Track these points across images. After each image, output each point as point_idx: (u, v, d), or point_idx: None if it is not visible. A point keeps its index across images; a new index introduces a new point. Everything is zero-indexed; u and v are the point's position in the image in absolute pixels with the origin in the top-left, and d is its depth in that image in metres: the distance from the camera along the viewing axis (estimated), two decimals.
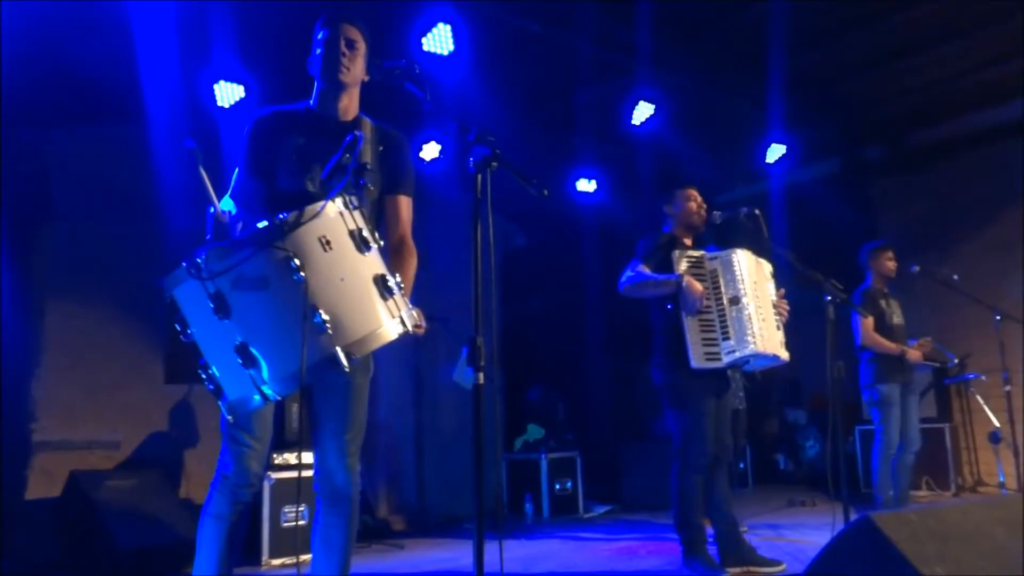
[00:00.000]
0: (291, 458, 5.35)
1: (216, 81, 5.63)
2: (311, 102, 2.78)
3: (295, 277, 2.06)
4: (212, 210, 2.37)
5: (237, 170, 2.73)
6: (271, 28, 5.37)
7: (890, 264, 5.81)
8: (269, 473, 5.14)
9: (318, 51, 2.71)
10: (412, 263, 2.73)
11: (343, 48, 2.67)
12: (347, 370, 2.08)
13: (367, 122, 2.78)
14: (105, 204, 5.95)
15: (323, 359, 2.07)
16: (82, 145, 5.90)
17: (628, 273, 4.42)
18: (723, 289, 4.22)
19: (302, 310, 2.05)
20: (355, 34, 2.71)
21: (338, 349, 2.07)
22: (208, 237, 2.38)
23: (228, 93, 5.68)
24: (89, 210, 5.90)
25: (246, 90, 5.67)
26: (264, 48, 5.53)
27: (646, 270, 4.37)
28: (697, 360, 4.16)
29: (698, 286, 4.20)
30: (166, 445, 6.03)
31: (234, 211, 2.52)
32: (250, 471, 2.51)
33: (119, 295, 5.97)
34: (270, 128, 2.71)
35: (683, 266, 4.27)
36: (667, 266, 4.31)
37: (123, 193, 6.01)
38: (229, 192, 2.70)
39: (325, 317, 2.06)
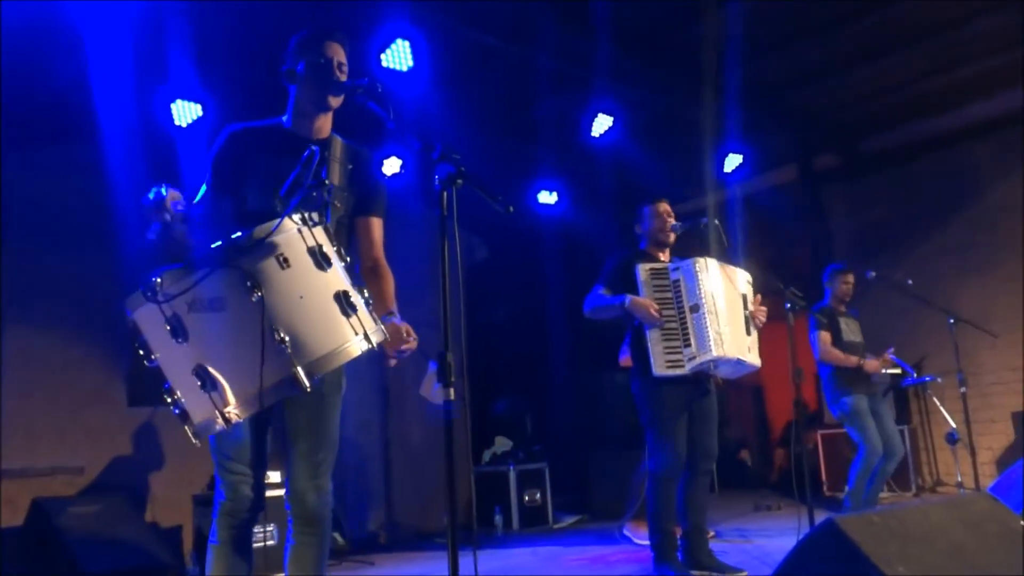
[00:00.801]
0: None
1: (173, 100, 5.59)
2: (285, 119, 2.73)
3: (252, 297, 2.04)
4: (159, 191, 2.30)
5: (204, 187, 2.66)
6: (228, 47, 5.35)
7: (845, 287, 5.94)
8: None
9: (303, 67, 2.64)
10: (389, 281, 2.72)
11: (337, 73, 2.63)
12: (308, 389, 2.06)
13: (338, 141, 2.75)
14: (63, 225, 5.86)
15: (284, 379, 2.05)
16: (38, 166, 5.81)
17: (589, 298, 4.54)
18: (685, 298, 4.27)
19: (260, 330, 2.03)
20: (343, 56, 2.67)
21: (298, 368, 2.05)
22: (151, 205, 2.32)
23: (185, 112, 5.64)
24: (46, 232, 5.80)
25: (203, 109, 5.63)
26: (222, 67, 5.50)
27: (606, 293, 4.46)
28: (659, 368, 4.22)
29: (643, 302, 4.25)
30: (131, 469, 5.94)
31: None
32: (243, 496, 2.47)
33: (78, 317, 5.88)
34: (242, 145, 2.64)
35: (644, 277, 4.32)
36: (631, 281, 4.36)
37: (81, 214, 5.93)
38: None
39: (283, 336, 2.03)
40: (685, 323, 4.24)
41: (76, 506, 5.13)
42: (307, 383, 2.05)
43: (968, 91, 7.66)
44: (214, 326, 2.08)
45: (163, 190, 2.34)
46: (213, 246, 2.11)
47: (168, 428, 6.06)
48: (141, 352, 2.17)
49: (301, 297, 2.13)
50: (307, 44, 2.67)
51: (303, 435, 2.58)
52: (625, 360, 5.92)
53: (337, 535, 6.23)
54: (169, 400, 2.16)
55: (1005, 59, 7.05)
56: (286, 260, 2.13)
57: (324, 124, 2.73)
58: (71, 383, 5.78)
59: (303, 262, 2.17)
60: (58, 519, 4.94)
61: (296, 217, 2.21)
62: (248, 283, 2.04)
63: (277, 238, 2.13)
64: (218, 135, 2.70)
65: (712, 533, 6.09)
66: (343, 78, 2.65)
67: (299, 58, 2.67)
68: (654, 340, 4.26)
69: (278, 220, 2.15)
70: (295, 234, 2.18)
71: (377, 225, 2.78)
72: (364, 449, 7.53)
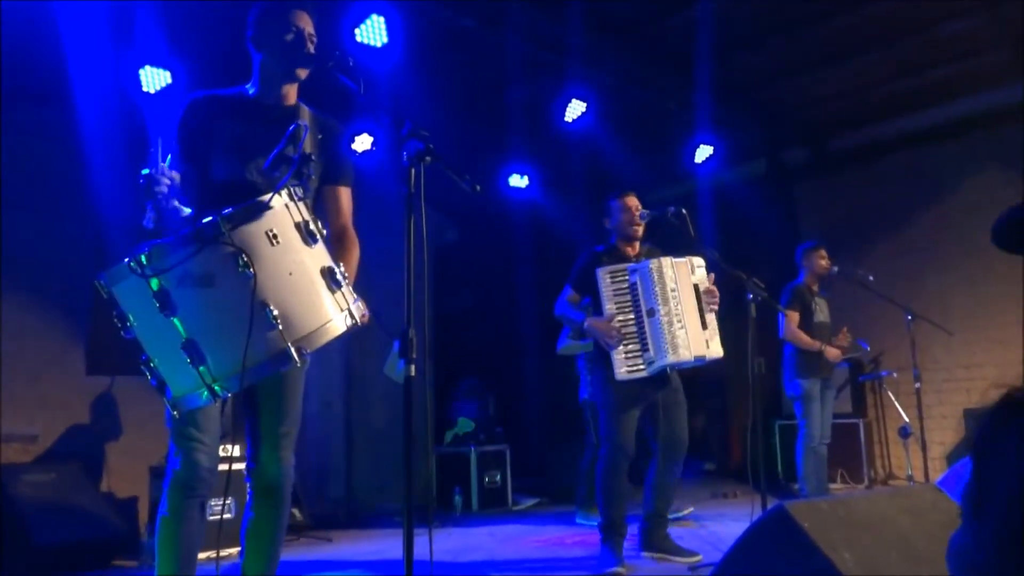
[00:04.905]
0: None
1: (141, 66, 5.49)
2: (249, 87, 2.70)
3: (243, 273, 2.03)
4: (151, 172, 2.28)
5: (169, 156, 2.58)
6: (198, 14, 5.26)
7: (823, 263, 6.02)
8: None
9: (272, 37, 2.61)
10: (355, 253, 2.72)
11: (309, 45, 2.61)
12: (299, 366, 2.07)
13: (306, 110, 2.73)
14: (22, 189, 5.74)
15: (275, 355, 2.05)
16: None
17: (559, 301, 4.64)
18: (642, 302, 4.30)
19: (250, 306, 2.02)
20: (312, 26, 2.65)
21: (289, 344, 2.06)
22: (142, 189, 2.30)
23: (154, 79, 5.55)
24: (4, 195, 5.68)
25: (172, 76, 5.54)
26: (191, 34, 5.42)
27: (574, 298, 4.57)
28: (621, 374, 4.28)
29: (600, 326, 4.31)
30: (87, 438, 5.87)
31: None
32: (200, 466, 2.44)
33: (37, 282, 5.78)
34: (206, 113, 2.61)
35: (605, 282, 4.36)
36: (593, 284, 4.40)
37: (41, 178, 5.83)
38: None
39: (275, 312, 2.04)
40: (643, 327, 4.28)
41: (30, 474, 5.06)
42: (298, 359, 2.07)
43: (934, 93, 7.78)
44: (205, 301, 2.07)
45: (146, 171, 2.31)
46: (204, 221, 2.08)
47: (126, 398, 6.00)
48: (118, 323, 2.14)
49: (290, 273, 2.13)
50: (275, 12, 2.64)
51: (268, 409, 2.58)
52: (564, 349, 6.09)
53: (296, 511, 6.22)
54: (146, 371, 2.15)
55: (972, 63, 7.17)
56: (275, 236, 2.12)
57: (290, 92, 2.71)
58: (28, 349, 5.68)
59: (291, 238, 2.17)
60: (11, 487, 4.87)
61: (284, 192, 2.20)
62: (240, 259, 2.04)
63: (267, 214, 2.12)
64: (182, 103, 2.66)
65: (690, 509, 6.23)
66: (312, 49, 2.62)
67: (266, 26, 2.64)
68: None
69: (270, 196, 2.14)
70: (283, 209, 2.18)
71: (346, 194, 2.78)
72: (326, 425, 7.51)
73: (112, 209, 5.56)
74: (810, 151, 9.09)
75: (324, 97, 2.99)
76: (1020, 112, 7.37)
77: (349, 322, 2.20)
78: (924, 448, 6.21)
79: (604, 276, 4.37)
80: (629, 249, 4.61)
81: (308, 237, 2.19)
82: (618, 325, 4.29)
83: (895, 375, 7.41)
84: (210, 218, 2.07)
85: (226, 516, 5.04)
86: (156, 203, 2.28)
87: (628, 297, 4.34)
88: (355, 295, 2.29)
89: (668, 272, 4.31)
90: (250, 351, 2.02)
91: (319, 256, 2.22)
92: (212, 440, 2.49)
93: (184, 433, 2.44)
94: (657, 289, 4.26)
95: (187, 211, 2.40)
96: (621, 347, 4.28)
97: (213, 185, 2.54)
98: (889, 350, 7.72)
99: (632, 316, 4.32)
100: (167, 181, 2.30)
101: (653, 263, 4.31)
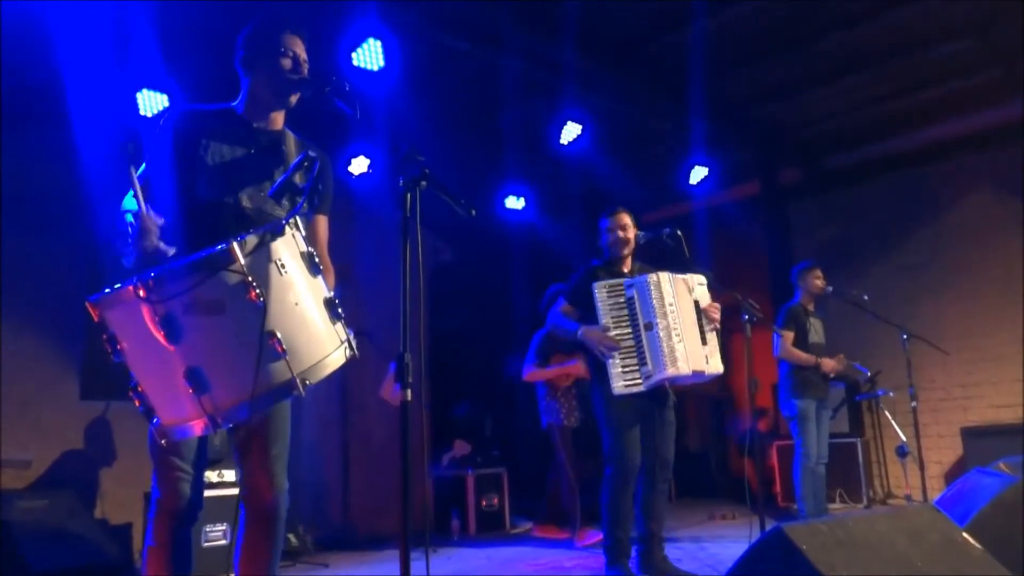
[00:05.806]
0: (213, 476, 5.24)
1: (139, 89, 5.51)
2: (237, 105, 2.65)
3: (253, 302, 1.99)
4: (136, 212, 2.24)
5: (144, 167, 2.53)
6: (195, 36, 5.29)
7: (818, 283, 6.04)
8: None
9: (264, 61, 2.58)
10: (331, 281, 2.70)
11: (303, 71, 2.59)
12: (303, 397, 2.04)
13: (291, 136, 2.70)
14: (18, 212, 5.73)
15: (279, 386, 2.02)
16: None
17: (552, 313, 4.67)
18: (639, 316, 4.31)
19: (259, 335, 1.98)
20: (304, 50, 2.62)
21: (295, 376, 2.02)
22: (131, 238, 2.26)
23: (151, 102, 5.56)
24: (1, 218, 5.68)
25: (169, 99, 5.55)
26: (188, 57, 5.44)
27: (567, 310, 4.57)
28: (618, 388, 4.27)
29: (595, 336, 4.32)
30: (81, 464, 5.82)
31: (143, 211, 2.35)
32: (184, 495, 2.42)
33: (31, 305, 5.76)
34: (194, 129, 2.54)
35: (601, 296, 4.37)
36: (589, 299, 4.41)
37: (38, 202, 5.82)
38: (132, 192, 2.41)
39: (283, 343, 2.00)
40: (641, 341, 4.29)
41: (23, 500, 5.02)
42: (302, 390, 2.03)
43: (927, 114, 7.85)
44: (213, 329, 2.01)
45: (130, 217, 2.28)
46: (217, 247, 2.01)
47: (121, 424, 5.96)
48: (107, 347, 2.08)
49: (296, 304, 2.09)
50: (266, 36, 2.60)
51: (257, 433, 2.55)
52: (529, 375, 6.16)
53: (292, 535, 6.18)
54: (135, 397, 2.10)
55: (963, 84, 7.24)
56: (283, 265, 2.08)
57: (278, 117, 2.68)
58: (21, 373, 5.64)
59: (297, 268, 2.13)
60: (4, 513, 4.83)
61: (290, 221, 2.18)
62: (250, 287, 1.99)
63: (276, 242, 2.09)
64: (167, 116, 2.60)
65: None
66: (305, 75, 2.60)
67: (259, 49, 2.60)
68: (613, 360, 4.31)
69: (282, 224, 2.11)
70: (290, 239, 2.14)
71: (324, 223, 2.74)
72: (322, 449, 7.47)
73: (109, 234, 5.55)
74: (804, 171, 9.14)
75: (320, 120, 3.00)
76: (1014, 132, 7.43)
77: (348, 354, 2.18)
78: (922, 467, 6.19)
79: (601, 290, 4.38)
80: (623, 266, 4.63)
81: (312, 268, 2.17)
82: (614, 335, 4.29)
83: (892, 394, 7.41)
84: (223, 244, 2.02)
85: (223, 543, 5.02)
86: (143, 251, 2.25)
87: (625, 312, 4.34)
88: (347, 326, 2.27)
89: (666, 287, 4.33)
90: (256, 381, 1.98)
91: (320, 287, 2.19)
92: (195, 467, 2.46)
93: (167, 463, 2.41)
94: (655, 303, 4.26)
95: (172, 251, 2.34)
96: (618, 361, 4.28)
97: (197, 205, 2.48)
98: (885, 369, 7.72)
99: (629, 330, 4.32)
100: (155, 229, 2.27)
101: (651, 277, 4.32)
